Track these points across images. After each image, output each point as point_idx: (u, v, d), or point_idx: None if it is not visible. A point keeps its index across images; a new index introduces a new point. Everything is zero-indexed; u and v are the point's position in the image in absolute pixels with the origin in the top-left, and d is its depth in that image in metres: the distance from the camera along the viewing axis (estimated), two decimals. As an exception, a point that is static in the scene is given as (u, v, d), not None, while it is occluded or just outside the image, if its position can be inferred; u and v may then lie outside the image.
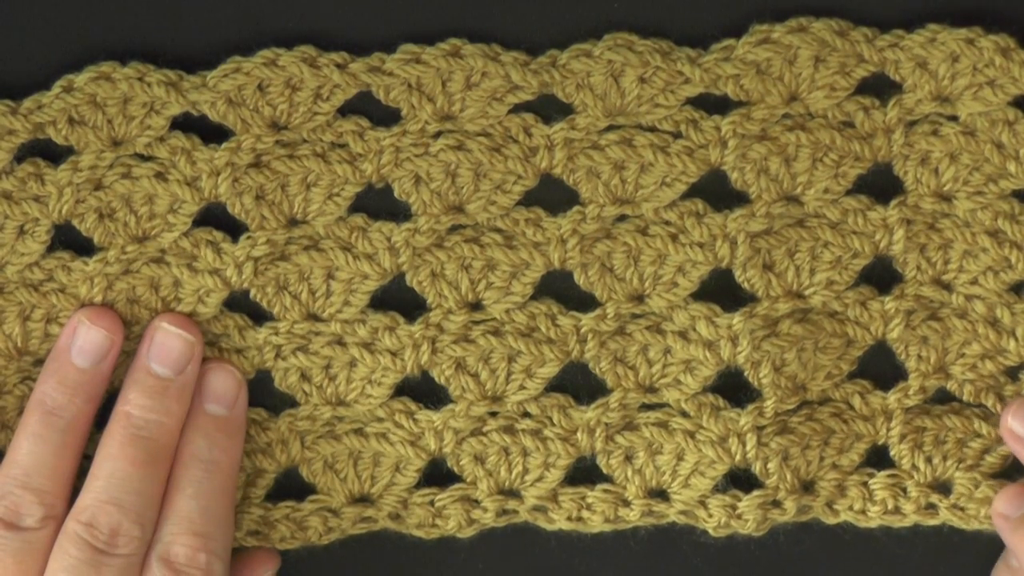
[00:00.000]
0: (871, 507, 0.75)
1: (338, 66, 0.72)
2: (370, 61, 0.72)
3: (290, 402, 0.75)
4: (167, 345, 0.72)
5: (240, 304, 0.74)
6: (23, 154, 0.72)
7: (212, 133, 0.72)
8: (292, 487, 0.76)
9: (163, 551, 0.70)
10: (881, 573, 0.77)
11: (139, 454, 0.70)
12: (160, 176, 0.72)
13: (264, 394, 0.75)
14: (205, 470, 0.71)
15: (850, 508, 0.75)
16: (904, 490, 0.75)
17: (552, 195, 0.73)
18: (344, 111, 0.72)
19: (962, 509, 0.75)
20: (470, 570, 0.76)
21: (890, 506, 0.75)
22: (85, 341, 0.72)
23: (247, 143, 0.72)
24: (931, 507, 0.75)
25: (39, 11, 0.71)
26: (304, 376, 0.74)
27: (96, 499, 0.69)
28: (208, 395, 0.72)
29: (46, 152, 0.72)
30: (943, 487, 0.75)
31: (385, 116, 0.72)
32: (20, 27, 0.72)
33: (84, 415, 0.71)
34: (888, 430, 0.74)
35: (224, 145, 0.72)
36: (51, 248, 0.73)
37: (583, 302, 0.74)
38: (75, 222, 0.72)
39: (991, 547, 0.76)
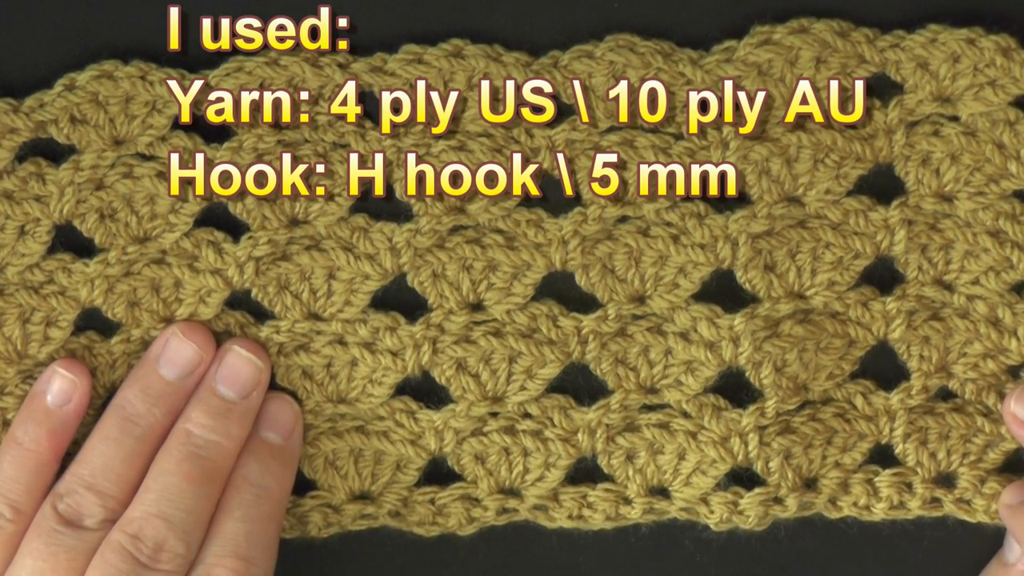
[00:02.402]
0: (876, 503, 0.75)
1: (340, 66, 0.72)
2: (372, 61, 0.72)
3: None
4: (236, 368, 0.72)
5: (241, 304, 0.74)
6: (24, 154, 0.72)
7: (213, 134, 0.72)
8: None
9: (205, 572, 0.69)
10: (883, 565, 0.77)
11: (195, 472, 0.70)
12: (161, 176, 0.72)
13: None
14: (255, 495, 0.71)
15: (854, 504, 0.75)
16: (909, 485, 0.75)
17: (553, 196, 0.73)
18: (345, 111, 0.73)
19: (967, 503, 0.75)
20: (470, 567, 0.76)
21: (895, 502, 0.75)
22: (174, 354, 0.72)
23: (249, 143, 0.72)
24: (935, 500, 0.75)
25: (41, 9, 0.72)
26: (306, 373, 0.74)
27: (146, 512, 0.69)
28: (267, 423, 0.73)
29: (48, 152, 0.72)
30: (946, 479, 0.75)
31: (386, 116, 0.73)
32: (22, 25, 0.72)
33: (160, 427, 0.71)
34: (892, 430, 0.74)
35: (226, 144, 0.72)
36: (51, 250, 0.73)
37: (584, 303, 0.74)
38: (76, 222, 0.72)
39: (993, 542, 0.76)
